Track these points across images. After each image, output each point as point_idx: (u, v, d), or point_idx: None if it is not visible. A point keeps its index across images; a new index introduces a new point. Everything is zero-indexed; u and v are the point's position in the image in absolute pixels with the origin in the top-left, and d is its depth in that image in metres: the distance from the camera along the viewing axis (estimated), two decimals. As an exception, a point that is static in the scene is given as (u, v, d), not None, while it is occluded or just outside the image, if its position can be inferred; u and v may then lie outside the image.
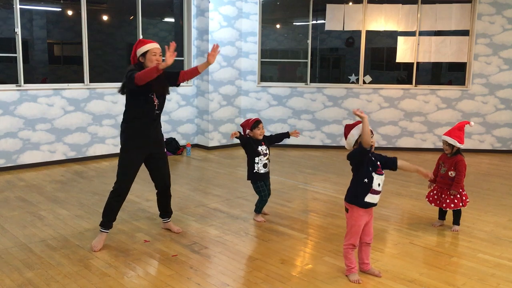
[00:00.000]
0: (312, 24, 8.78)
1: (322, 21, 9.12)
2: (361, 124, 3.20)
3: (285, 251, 3.86)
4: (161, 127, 4.05)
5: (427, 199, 4.53)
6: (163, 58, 3.45)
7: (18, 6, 6.51)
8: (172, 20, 11.29)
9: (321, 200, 5.40)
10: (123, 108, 3.89)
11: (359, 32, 8.60)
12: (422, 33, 8.53)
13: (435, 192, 4.46)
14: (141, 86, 3.59)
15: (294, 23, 12.16)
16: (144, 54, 3.74)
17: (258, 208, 4.59)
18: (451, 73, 11.33)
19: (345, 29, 8.69)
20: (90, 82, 7.27)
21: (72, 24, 9.95)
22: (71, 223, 4.47)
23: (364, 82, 8.68)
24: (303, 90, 8.70)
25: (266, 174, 4.46)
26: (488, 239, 4.20)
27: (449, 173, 4.32)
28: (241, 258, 3.73)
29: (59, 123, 6.97)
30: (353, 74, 8.80)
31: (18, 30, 6.53)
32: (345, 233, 3.39)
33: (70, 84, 7.15)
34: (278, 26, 11.67)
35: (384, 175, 3.27)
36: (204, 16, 8.19)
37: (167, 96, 4.06)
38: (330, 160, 7.69)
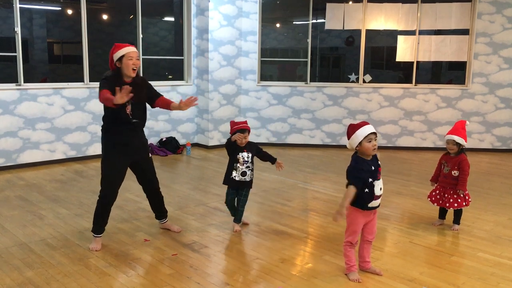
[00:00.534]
0: (312, 23, 8.78)
1: (322, 20, 9.11)
2: (366, 126, 3.16)
3: (285, 250, 3.86)
4: (143, 135, 3.93)
5: (429, 199, 4.51)
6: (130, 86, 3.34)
7: (18, 5, 6.51)
8: (172, 19, 11.28)
9: (321, 199, 5.40)
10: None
11: (359, 31, 8.60)
12: (422, 32, 8.53)
13: (437, 192, 4.44)
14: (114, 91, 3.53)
15: (294, 22, 12.15)
16: (120, 59, 3.66)
17: (233, 215, 4.34)
18: (451, 72, 11.31)
19: (345, 28, 8.69)
20: (90, 81, 7.26)
21: (72, 23, 9.93)
22: (71, 222, 4.47)
23: (364, 81, 8.68)
24: (303, 89, 8.69)
25: (245, 183, 4.18)
26: (488, 238, 4.20)
27: (453, 172, 4.31)
28: (241, 257, 3.73)
29: (59, 122, 6.97)
30: (353, 73, 8.80)
31: (18, 29, 6.53)
32: (344, 232, 3.39)
33: (70, 83, 7.15)
34: (278, 25, 11.66)
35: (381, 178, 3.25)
36: (204, 15, 8.18)
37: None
38: (330, 159, 7.69)
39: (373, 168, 3.19)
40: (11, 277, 3.29)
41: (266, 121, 8.78)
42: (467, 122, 4.41)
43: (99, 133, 7.25)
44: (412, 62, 8.59)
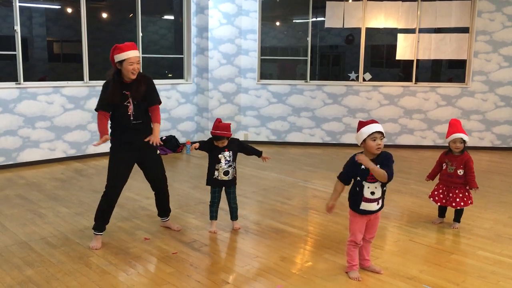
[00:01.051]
0: (312, 21, 8.78)
1: (322, 19, 9.10)
2: (373, 125, 3.15)
3: (285, 248, 3.86)
4: (149, 133, 3.88)
5: (431, 198, 4.48)
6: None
7: (18, 4, 6.50)
8: (172, 17, 11.27)
9: (321, 197, 5.41)
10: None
11: (359, 29, 8.59)
12: (422, 31, 8.52)
13: (440, 191, 4.42)
14: (114, 94, 3.70)
15: (294, 21, 12.14)
16: (121, 62, 3.66)
17: (211, 213, 4.25)
18: (451, 71, 11.31)
19: (345, 27, 8.68)
20: (89, 80, 7.26)
21: (72, 22, 9.92)
22: (71, 220, 4.47)
23: (364, 80, 8.67)
24: (303, 87, 8.69)
25: (229, 182, 4.12)
26: (488, 236, 4.20)
27: (458, 171, 4.30)
28: (241, 256, 3.73)
29: (58, 121, 6.97)
30: (353, 72, 8.79)
31: (17, 28, 6.52)
32: (345, 230, 3.40)
33: (69, 82, 7.15)
34: (278, 23, 11.65)
35: (378, 182, 3.17)
36: (203, 13, 8.17)
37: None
38: (330, 158, 7.69)
39: (363, 167, 3.17)
40: (11, 276, 3.30)
41: (266, 119, 8.78)
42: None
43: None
44: (412, 60, 8.58)
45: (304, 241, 4.05)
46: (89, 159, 7.22)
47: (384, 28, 8.72)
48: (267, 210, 4.88)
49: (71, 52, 11.28)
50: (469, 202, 4.33)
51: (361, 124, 3.22)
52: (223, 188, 4.19)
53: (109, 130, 3.85)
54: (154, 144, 3.81)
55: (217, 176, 4.09)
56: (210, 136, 4.09)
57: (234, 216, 4.30)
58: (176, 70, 8.72)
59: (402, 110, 8.60)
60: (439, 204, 4.44)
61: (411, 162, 7.44)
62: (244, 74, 8.67)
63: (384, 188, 3.23)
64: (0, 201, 5.07)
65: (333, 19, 8.63)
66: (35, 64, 10.93)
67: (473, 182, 4.29)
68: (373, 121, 3.21)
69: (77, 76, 7.31)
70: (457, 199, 4.30)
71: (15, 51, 6.57)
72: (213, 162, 4.09)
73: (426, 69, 11.41)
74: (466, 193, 4.33)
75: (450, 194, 4.35)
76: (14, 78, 6.63)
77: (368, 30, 8.61)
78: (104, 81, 3.82)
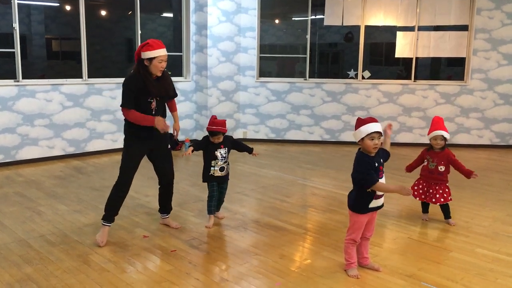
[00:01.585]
0: (311, 19, 8.77)
1: (321, 16, 9.09)
2: (372, 124, 3.14)
3: (284, 246, 3.87)
4: None
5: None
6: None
7: (16, 1, 6.48)
8: (171, 15, 11.24)
9: (320, 195, 5.41)
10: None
11: (358, 27, 8.59)
12: (421, 28, 8.52)
13: (420, 186, 4.49)
14: (140, 90, 3.69)
15: (293, 18, 12.12)
16: (150, 59, 3.69)
17: (209, 208, 4.30)
18: (450, 68, 11.30)
19: (344, 24, 8.68)
20: (88, 77, 7.25)
21: (71, 19, 9.90)
22: (70, 218, 4.47)
23: (363, 77, 8.67)
24: (302, 85, 8.69)
25: (223, 178, 4.27)
26: (486, 234, 4.21)
27: (439, 167, 4.36)
28: (240, 253, 3.73)
29: (57, 118, 6.96)
30: (352, 69, 8.79)
31: (16, 25, 6.51)
32: (344, 228, 3.40)
33: (68, 80, 7.13)
34: (277, 21, 11.63)
35: (384, 176, 3.22)
36: (202, 11, 8.16)
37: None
38: (329, 156, 7.69)
39: (376, 164, 3.18)
40: (10, 273, 3.30)
41: (265, 117, 8.78)
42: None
43: (98, 129, 7.34)
44: (411, 58, 8.58)
45: (303, 239, 4.05)
46: (88, 156, 7.21)
47: (383, 26, 8.72)
48: (266, 208, 4.88)
49: (70, 49, 11.27)
50: (449, 198, 4.38)
51: (360, 122, 3.20)
52: (218, 184, 4.31)
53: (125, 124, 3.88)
54: (177, 131, 4.08)
55: (213, 173, 4.21)
56: (207, 133, 4.17)
57: (219, 208, 4.48)
58: (175, 68, 8.71)
59: (401, 108, 8.60)
60: (417, 199, 4.51)
61: (410, 160, 7.37)
62: (243, 72, 8.66)
63: None
64: (-1, 198, 5.07)
65: (332, 16, 8.63)
66: (33, 62, 10.91)
67: (466, 171, 4.32)
68: (372, 120, 3.20)
69: (76, 73, 7.30)
70: (437, 195, 4.35)
71: (13, 48, 6.56)
72: (209, 158, 4.20)
73: (425, 67, 11.40)
74: (446, 190, 4.38)
75: (430, 190, 4.40)
76: (13, 76, 6.62)
77: (367, 28, 8.61)
78: (124, 79, 3.76)
